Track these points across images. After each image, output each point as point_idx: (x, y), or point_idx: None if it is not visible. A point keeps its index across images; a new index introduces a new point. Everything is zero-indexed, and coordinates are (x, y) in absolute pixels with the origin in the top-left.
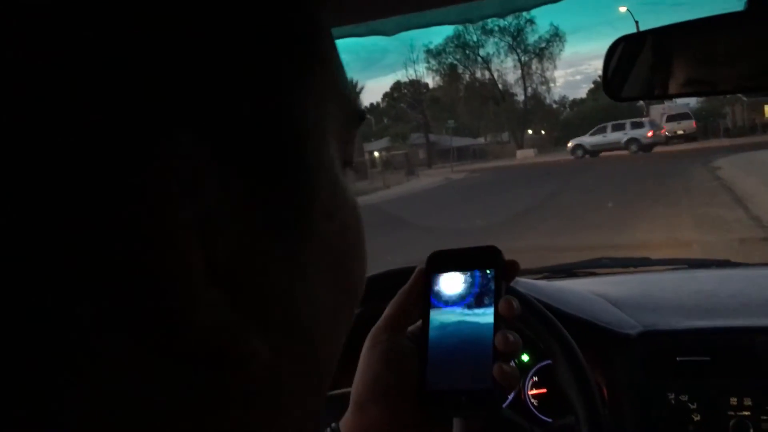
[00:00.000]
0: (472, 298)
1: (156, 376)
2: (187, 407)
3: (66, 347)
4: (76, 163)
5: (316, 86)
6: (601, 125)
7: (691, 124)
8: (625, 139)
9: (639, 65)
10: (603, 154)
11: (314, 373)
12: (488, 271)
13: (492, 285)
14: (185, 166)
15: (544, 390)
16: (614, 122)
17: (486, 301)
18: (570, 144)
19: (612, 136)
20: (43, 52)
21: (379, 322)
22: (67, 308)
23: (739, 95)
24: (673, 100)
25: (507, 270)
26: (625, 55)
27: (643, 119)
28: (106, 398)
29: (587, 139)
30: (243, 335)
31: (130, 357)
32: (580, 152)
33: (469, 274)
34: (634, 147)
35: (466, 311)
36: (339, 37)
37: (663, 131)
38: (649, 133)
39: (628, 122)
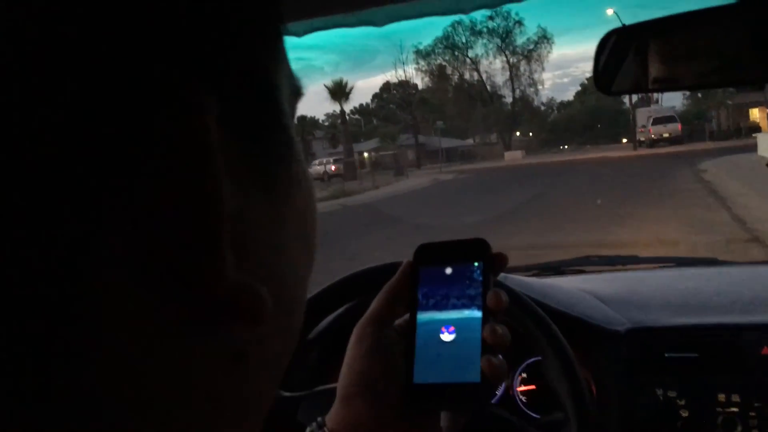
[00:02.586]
0: (460, 292)
1: (182, 333)
2: (209, 367)
3: (94, 293)
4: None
5: (281, 56)
6: (317, 160)
7: (676, 127)
8: (323, 170)
9: (630, 59)
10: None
11: (294, 337)
12: (476, 264)
13: (480, 278)
14: (206, 122)
15: (533, 386)
16: (318, 160)
17: (474, 294)
18: None
19: (317, 168)
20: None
21: (366, 316)
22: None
23: (726, 100)
24: (659, 103)
25: (495, 262)
26: (616, 48)
27: (330, 159)
28: (130, 355)
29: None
30: (257, 292)
31: (154, 312)
32: None
33: (457, 267)
34: (326, 176)
35: (455, 304)
36: (329, 28)
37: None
38: (333, 168)
39: (325, 160)
